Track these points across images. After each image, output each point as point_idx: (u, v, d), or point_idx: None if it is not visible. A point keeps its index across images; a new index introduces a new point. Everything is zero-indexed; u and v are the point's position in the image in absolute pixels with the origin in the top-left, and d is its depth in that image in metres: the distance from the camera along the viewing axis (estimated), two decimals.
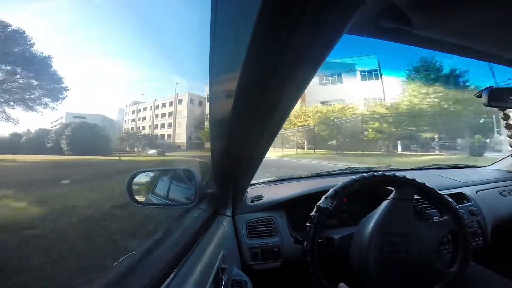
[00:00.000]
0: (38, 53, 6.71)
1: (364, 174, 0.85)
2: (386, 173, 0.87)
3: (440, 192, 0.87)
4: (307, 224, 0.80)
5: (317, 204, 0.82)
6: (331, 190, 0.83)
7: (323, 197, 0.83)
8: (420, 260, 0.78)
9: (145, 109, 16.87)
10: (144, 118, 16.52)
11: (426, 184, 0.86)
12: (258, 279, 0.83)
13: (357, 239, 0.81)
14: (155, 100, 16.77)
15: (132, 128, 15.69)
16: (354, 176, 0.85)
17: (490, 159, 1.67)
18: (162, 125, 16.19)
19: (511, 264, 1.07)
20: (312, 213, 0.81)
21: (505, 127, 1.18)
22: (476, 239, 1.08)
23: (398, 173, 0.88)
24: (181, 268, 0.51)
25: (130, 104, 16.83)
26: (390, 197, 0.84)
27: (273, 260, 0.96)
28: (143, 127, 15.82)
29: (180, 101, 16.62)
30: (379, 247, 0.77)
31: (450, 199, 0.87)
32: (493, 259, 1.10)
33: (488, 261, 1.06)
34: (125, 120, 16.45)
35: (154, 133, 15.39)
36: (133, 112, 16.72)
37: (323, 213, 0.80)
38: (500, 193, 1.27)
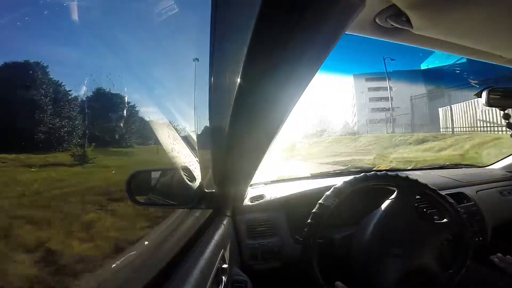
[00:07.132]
0: None
1: (367, 173, 0.84)
2: (388, 173, 0.86)
3: (441, 192, 0.86)
4: (309, 221, 0.79)
5: (319, 201, 0.81)
6: (333, 188, 0.82)
7: (325, 195, 0.82)
8: (420, 261, 0.78)
9: None
10: None
11: (428, 185, 0.85)
12: (258, 279, 0.83)
13: (358, 239, 0.81)
14: None
15: None
16: (357, 176, 0.84)
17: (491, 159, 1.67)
18: None
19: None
20: (314, 210, 0.80)
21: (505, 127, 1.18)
22: (476, 239, 1.08)
23: (398, 173, 0.87)
24: (181, 268, 0.51)
25: None
26: (392, 197, 0.83)
27: (273, 260, 0.96)
28: None
29: None
30: (380, 248, 0.77)
31: (452, 201, 0.86)
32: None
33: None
34: None
35: None
36: None
37: (326, 211, 0.79)
38: (500, 193, 1.27)
